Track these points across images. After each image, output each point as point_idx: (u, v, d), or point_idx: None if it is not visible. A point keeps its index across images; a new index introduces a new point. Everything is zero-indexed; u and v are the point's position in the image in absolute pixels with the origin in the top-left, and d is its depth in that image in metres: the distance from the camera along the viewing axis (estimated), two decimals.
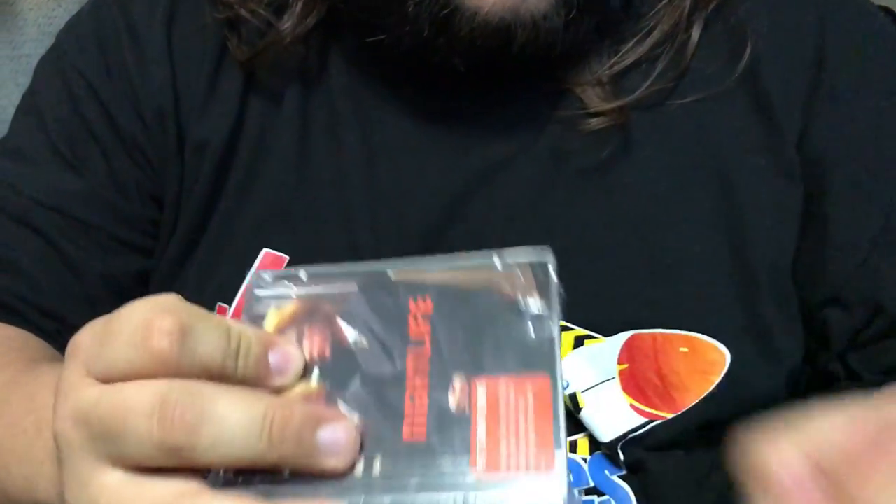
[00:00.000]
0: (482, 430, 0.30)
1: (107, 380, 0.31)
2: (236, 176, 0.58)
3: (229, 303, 0.57)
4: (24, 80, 1.34)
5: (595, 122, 0.53)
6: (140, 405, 0.29)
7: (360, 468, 0.30)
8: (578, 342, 0.53)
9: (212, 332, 0.31)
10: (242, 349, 0.31)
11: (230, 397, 0.30)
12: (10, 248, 0.58)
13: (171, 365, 0.30)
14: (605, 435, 0.52)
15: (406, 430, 0.31)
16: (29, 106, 0.62)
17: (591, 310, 0.53)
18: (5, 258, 0.58)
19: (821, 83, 0.54)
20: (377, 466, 0.30)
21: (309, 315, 0.34)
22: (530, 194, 0.55)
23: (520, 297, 0.34)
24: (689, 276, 0.53)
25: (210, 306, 0.57)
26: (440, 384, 0.31)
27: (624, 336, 0.53)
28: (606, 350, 0.53)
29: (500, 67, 0.52)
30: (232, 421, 0.29)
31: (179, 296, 0.32)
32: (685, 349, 0.52)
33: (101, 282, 0.59)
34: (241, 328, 0.32)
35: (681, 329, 0.52)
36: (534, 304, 0.33)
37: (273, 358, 0.32)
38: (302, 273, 0.35)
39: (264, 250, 0.57)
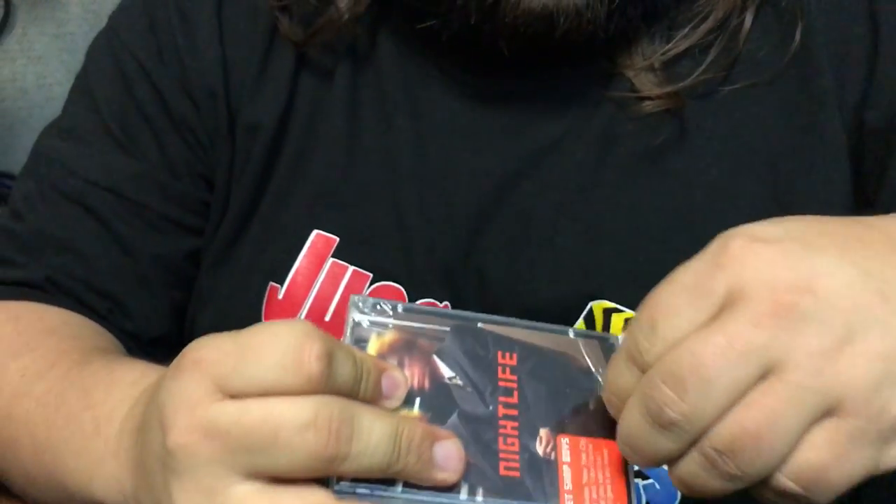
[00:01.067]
0: (568, 478, 0.35)
1: (244, 396, 0.32)
2: (287, 157, 0.59)
3: (280, 283, 0.58)
4: (69, 58, 1.36)
5: (648, 106, 0.54)
6: (295, 419, 0.32)
7: (464, 491, 0.34)
8: (627, 323, 0.54)
9: (347, 357, 0.34)
10: (365, 373, 0.34)
11: (372, 414, 0.33)
12: (65, 228, 0.59)
13: (321, 386, 0.32)
14: None
15: (502, 465, 0.35)
16: (82, 87, 0.62)
17: (636, 287, 0.53)
18: (60, 238, 0.59)
19: (878, 53, 0.53)
20: (480, 492, 0.34)
21: (407, 346, 0.37)
22: (580, 178, 0.55)
23: (592, 367, 0.38)
24: None
25: (261, 286, 0.58)
26: (529, 432, 0.36)
27: None
28: None
29: (548, 51, 0.53)
30: (375, 433, 0.33)
31: (310, 322, 0.34)
32: None
33: (153, 262, 0.60)
34: (363, 355, 0.35)
35: None
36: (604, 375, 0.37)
37: (385, 382, 0.35)
38: (399, 306, 0.38)
39: (315, 231, 0.58)
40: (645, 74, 0.54)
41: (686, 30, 0.54)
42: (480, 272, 0.56)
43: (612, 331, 0.54)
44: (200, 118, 0.60)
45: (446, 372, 0.37)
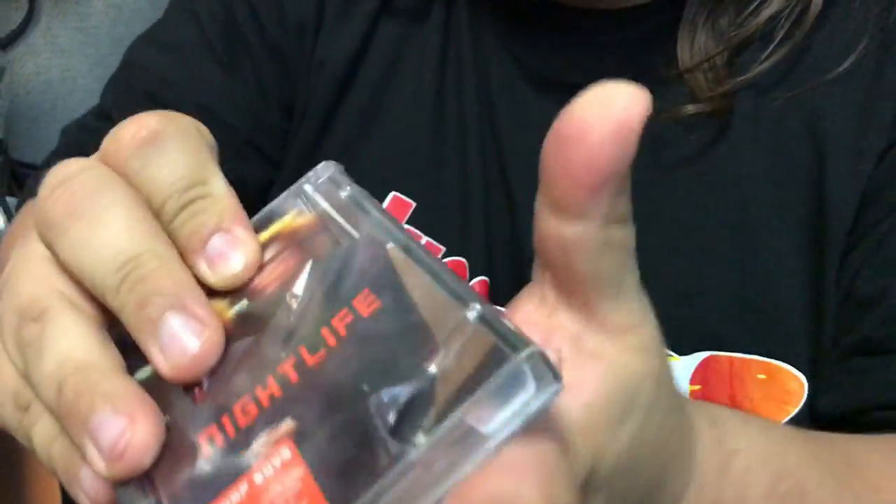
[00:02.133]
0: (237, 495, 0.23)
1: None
2: (356, 103, 0.57)
3: None
4: (92, 51, 1.36)
5: (699, 107, 0.51)
6: (57, 175, 0.27)
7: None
8: None
9: (179, 161, 0.26)
10: (196, 205, 0.26)
11: (119, 224, 0.25)
12: None
13: (116, 162, 0.27)
14: None
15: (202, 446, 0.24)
16: (182, 4, 0.61)
17: (670, 321, 0.51)
18: None
19: None
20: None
21: (305, 239, 0.28)
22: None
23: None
24: (779, 295, 0.50)
25: None
26: (273, 416, 0.24)
27: (699, 356, 0.51)
28: (680, 369, 0.51)
29: (609, 45, 0.51)
30: (96, 243, 0.25)
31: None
32: (763, 376, 0.50)
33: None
34: (217, 186, 0.27)
35: (761, 354, 0.50)
36: None
37: (217, 241, 0.26)
38: (349, 190, 0.29)
39: (393, 193, 0.56)
40: (701, 73, 0.51)
41: (746, 14, 0.50)
42: (516, 263, 0.55)
43: None
44: (290, 49, 0.58)
45: (297, 288, 0.26)
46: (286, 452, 0.22)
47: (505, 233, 0.55)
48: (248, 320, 0.26)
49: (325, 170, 0.30)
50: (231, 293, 0.27)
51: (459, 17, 0.57)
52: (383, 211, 0.28)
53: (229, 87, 0.58)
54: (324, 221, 0.28)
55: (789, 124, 0.51)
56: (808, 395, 0.50)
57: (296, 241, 0.28)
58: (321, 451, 0.22)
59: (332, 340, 0.24)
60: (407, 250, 0.25)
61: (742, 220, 0.51)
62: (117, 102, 0.60)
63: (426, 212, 0.56)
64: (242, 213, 0.27)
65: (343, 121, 0.57)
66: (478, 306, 0.22)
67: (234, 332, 0.26)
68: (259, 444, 0.23)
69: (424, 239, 0.56)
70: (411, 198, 0.56)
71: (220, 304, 0.26)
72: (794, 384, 0.50)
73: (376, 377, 0.22)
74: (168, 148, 0.26)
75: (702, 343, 0.51)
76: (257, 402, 0.24)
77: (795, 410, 0.50)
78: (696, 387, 0.51)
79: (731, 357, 0.50)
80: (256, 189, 0.59)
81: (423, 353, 0.22)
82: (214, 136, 0.57)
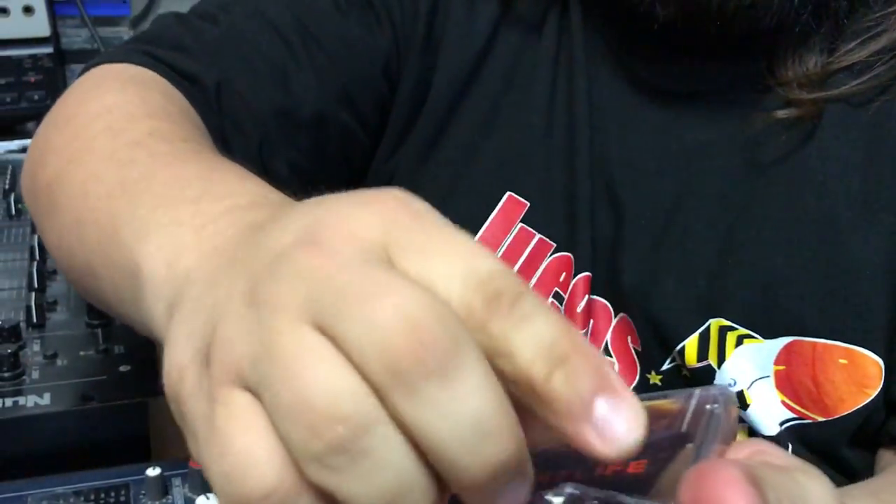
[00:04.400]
0: None
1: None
2: (478, 103, 0.61)
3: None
4: None
5: (793, 112, 0.55)
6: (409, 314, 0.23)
7: None
8: (739, 341, 0.57)
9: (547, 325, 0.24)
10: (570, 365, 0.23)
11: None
12: (258, 51, 0.58)
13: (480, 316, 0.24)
14: (768, 429, 0.56)
15: None
16: None
17: (757, 308, 0.56)
18: (247, 57, 0.58)
19: None
20: None
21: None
22: (720, 184, 0.57)
23: None
24: (861, 287, 0.54)
25: None
26: None
27: (784, 340, 0.56)
28: (765, 350, 0.56)
29: (714, 45, 0.54)
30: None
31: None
32: (844, 361, 0.54)
33: (313, 118, 0.60)
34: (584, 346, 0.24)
35: (843, 341, 0.54)
36: None
37: (603, 407, 0.23)
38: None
39: (508, 193, 0.61)
40: (797, 82, 0.55)
41: (852, 45, 0.54)
42: (617, 259, 0.59)
43: (727, 351, 0.57)
44: (403, 22, 0.61)
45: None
46: None
47: (609, 230, 0.59)
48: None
49: (719, 387, 0.32)
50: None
51: (572, 24, 0.61)
52: (727, 433, 0.30)
53: (344, 30, 0.59)
54: (678, 412, 0.30)
55: (883, 126, 0.55)
56: (884, 378, 0.54)
57: (652, 415, 0.26)
58: None
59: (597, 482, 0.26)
60: (697, 455, 0.28)
61: (829, 217, 0.55)
62: (226, 9, 0.59)
63: (538, 210, 0.60)
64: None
65: (463, 122, 0.62)
66: None
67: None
68: None
69: (537, 236, 0.60)
70: (525, 198, 0.61)
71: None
72: (874, 369, 0.54)
73: None
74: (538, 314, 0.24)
75: (787, 328, 0.55)
76: None
77: (875, 393, 0.54)
78: (781, 367, 0.56)
79: (814, 342, 0.55)
80: (336, 136, 0.61)
81: None
82: (313, 69, 0.59)
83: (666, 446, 0.28)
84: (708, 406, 0.31)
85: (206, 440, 0.25)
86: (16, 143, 1.06)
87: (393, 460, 0.22)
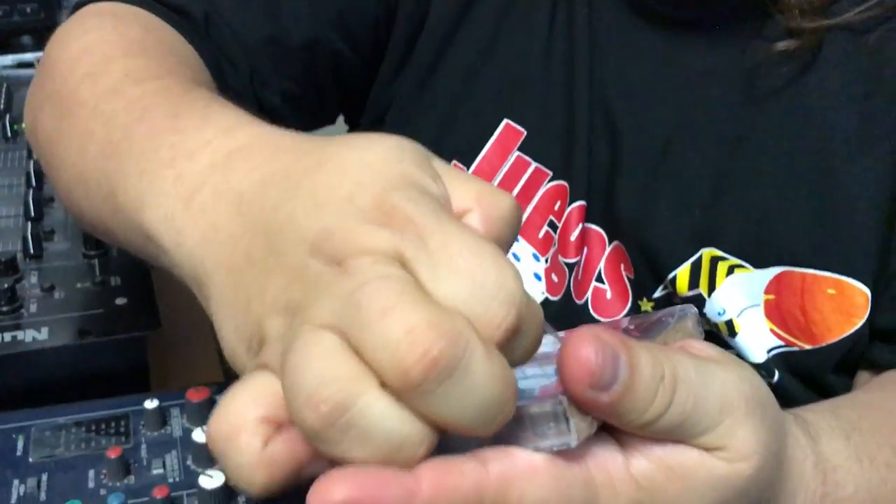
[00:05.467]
0: None
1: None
2: (476, 30, 0.61)
3: (466, 165, 0.61)
4: None
5: (787, 43, 0.54)
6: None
7: None
8: (730, 270, 0.57)
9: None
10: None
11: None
12: None
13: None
14: (756, 356, 0.57)
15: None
16: None
17: (749, 239, 0.56)
18: None
19: None
20: None
21: None
22: (718, 114, 0.57)
23: None
24: (854, 219, 0.55)
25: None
26: None
27: (774, 271, 0.56)
28: (756, 280, 0.57)
29: None
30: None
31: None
32: (833, 291, 0.55)
33: (300, 48, 0.60)
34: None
35: (832, 271, 0.55)
36: None
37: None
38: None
39: (505, 120, 0.61)
40: (798, 9, 0.54)
41: None
42: (613, 187, 0.59)
43: (717, 281, 0.57)
44: None
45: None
46: None
47: (605, 159, 0.59)
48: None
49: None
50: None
51: None
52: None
53: None
54: None
55: (883, 56, 0.54)
56: (870, 307, 0.55)
57: None
58: None
59: None
60: None
61: (825, 148, 0.55)
62: None
63: (535, 139, 0.60)
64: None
65: (461, 49, 0.61)
66: None
67: None
68: None
69: (533, 165, 0.60)
70: (522, 126, 0.60)
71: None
72: (861, 299, 0.55)
73: None
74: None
75: (778, 259, 0.56)
76: None
77: (861, 322, 0.55)
78: (770, 296, 0.57)
79: (803, 273, 0.56)
80: (327, 69, 0.61)
81: None
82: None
83: None
84: (664, 318, 0.35)
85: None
86: (10, 58, 1.05)
87: (380, 431, 0.26)
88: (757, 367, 0.57)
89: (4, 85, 0.94)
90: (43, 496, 0.47)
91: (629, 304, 0.60)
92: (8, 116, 0.84)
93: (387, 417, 0.26)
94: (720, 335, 0.57)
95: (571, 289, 0.60)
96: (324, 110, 0.66)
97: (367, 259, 0.27)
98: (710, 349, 0.32)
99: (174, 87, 0.45)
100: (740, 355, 0.57)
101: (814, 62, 0.55)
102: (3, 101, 0.90)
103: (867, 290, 0.55)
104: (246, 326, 0.31)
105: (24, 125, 0.61)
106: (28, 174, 0.71)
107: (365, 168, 0.29)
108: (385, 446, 0.26)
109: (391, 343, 0.25)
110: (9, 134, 0.83)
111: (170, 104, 0.42)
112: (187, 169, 0.36)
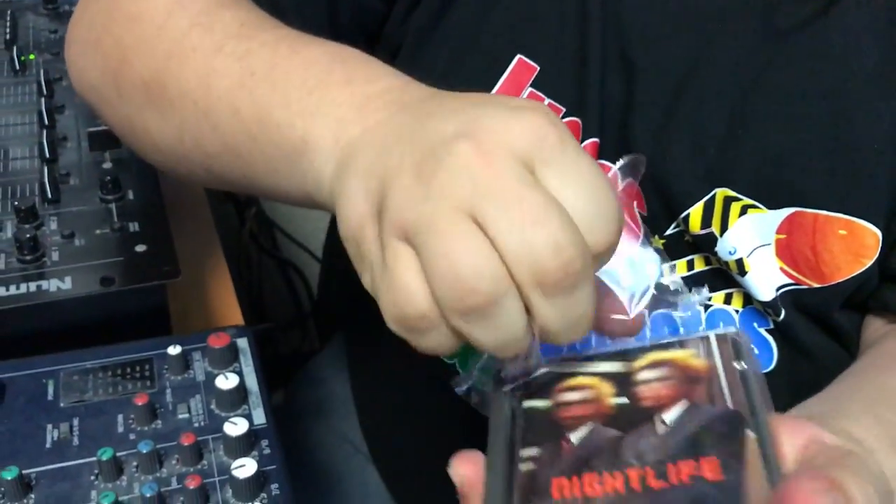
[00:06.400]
0: None
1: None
2: None
3: None
4: None
5: None
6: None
7: None
8: (744, 210, 0.57)
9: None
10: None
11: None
12: None
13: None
14: (764, 295, 0.57)
15: None
16: None
17: (763, 180, 0.56)
18: None
19: None
20: None
21: (687, 379, 0.36)
22: (735, 51, 0.56)
23: None
24: (868, 159, 0.55)
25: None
26: None
27: (787, 211, 0.56)
28: (769, 220, 0.57)
29: None
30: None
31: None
32: (844, 232, 0.55)
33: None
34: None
35: (844, 212, 0.55)
36: None
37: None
38: (744, 366, 0.36)
39: (518, 56, 0.60)
40: None
41: None
42: (627, 124, 0.59)
43: (730, 220, 0.57)
44: None
45: (668, 417, 0.35)
46: None
47: (620, 95, 0.59)
48: (621, 415, 0.35)
49: (732, 332, 0.37)
50: (618, 385, 0.36)
51: None
52: (765, 395, 0.34)
53: None
54: (710, 376, 0.35)
55: None
56: (881, 248, 0.55)
57: (681, 376, 0.36)
58: None
59: (674, 479, 0.32)
60: (761, 444, 0.32)
61: (843, 88, 0.54)
62: None
63: (548, 74, 0.60)
64: None
65: None
66: None
67: (609, 418, 0.35)
68: None
69: (546, 101, 0.60)
70: (535, 61, 0.60)
71: (606, 387, 0.35)
72: (871, 239, 0.55)
73: None
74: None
75: (790, 199, 0.56)
76: (602, 485, 0.32)
77: (870, 263, 0.56)
78: (782, 235, 0.57)
79: (815, 213, 0.56)
80: (355, 15, 0.62)
81: None
82: None
83: (725, 430, 0.32)
84: (734, 364, 0.35)
85: (378, 275, 0.35)
86: None
87: (512, 323, 0.33)
88: (765, 304, 0.58)
89: (9, 11, 0.91)
90: (76, 441, 0.50)
91: (640, 241, 0.60)
92: (15, 48, 0.82)
93: (517, 313, 0.33)
94: (730, 273, 0.58)
95: None
96: None
97: (509, 158, 0.33)
98: (833, 438, 0.34)
99: (303, 35, 0.49)
100: (749, 293, 0.58)
101: (833, 2, 0.54)
102: (8, 30, 0.87)
103: (878, 232, 0.55)
104: (377, 190, 0.36)
105: (68, 68, 0.61)
106: (40, 112, 0.71)
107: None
108: (506, 337, 0.33)
109: (537, 250, 0.32)
110: (17, 66, 0.80)
111: (317, 45, 0.47)
112: (363, 89, 0.42)
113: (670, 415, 0.34)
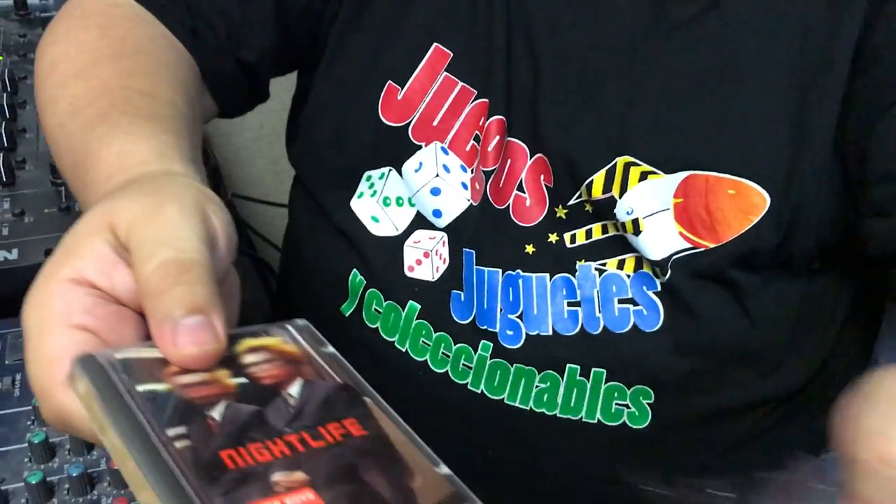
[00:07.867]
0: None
1: None
2: None
3: (400, 85, 0.66)
4: None
5: None
6: None
7: None
8: (643, 176, 0.62)
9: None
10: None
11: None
12: None
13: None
14: (656, 254, 0.62)
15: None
16: None
17: (660, 149, 0.61)
18: None
19: None
20: None
21: (290, 361, 0.38)
22: (631, 36, 0.62)
23: None
24: (752, 127, 0.60)
25: (381, 81, 0.66)
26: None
27: (682, 175, 0.61)
28: (666, 184, 0.61)
29: None
30: None
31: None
32: (732, 191, 0.60)
33: (272, 4, 0.66)
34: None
35: (732, 174, 0.60)
36: None
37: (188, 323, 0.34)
38: (331, 349, 0.39)
39: (435, 44, 0.65)
40: None
41: None
42: (536, 106, 0.64)
43: (629, 184, 0.62)
44: None
45: (292, 390, 0.36)
46: (310, 495, 0.31)
47: (528, 79, 0.64)
48: (247, 393, 0.35)
49: (302, 323, 0.40)
50: (230, 367, 0.36)
51: None
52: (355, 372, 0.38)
53: None
54: (308, 358, 0.38)
55: None
56: (769, 208, 0.60)
57: (284, 359, 0.37)
58: None
59: (330, 438, 0.34)
60: (379, 405, 0.36)
61: (730, 69, 0.60)
62: None
63: (461, 60, 0.65)
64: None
65: None
66: (444, 467, 0.33)
67: (238, 395, 0.35)
68: (278, 477, 0.32)
69: (459, 84, 0.65)
70: (450, 48, 0.65)
71: (220, 370, 0.35)
72: (758, 199, 0.60)
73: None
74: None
75: (684, 164, 0.61)
76: (270, 451, 0.33)
77: (757, 219, 0.60)
78: (679, 199, 0.61)
79: (707, 175, 0.60)
80: (297, 14, 0.67)
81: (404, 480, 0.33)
82: None
83: (346, 398, 0.36)
84: (322, 348, 0.39)
85: None
86: None
87: None
88: (654, 264, 0.62)
89: None
90: (17, 392, 0.54)
91: (545, 211, 0.65)
92: None
93: None
94: (626, 235, 0.62)
95: (489, 194, 0.66)
96: (299, 60, 0.72)
97: None
98: None
99: (97, 124, 0.51)
100: (641, 254, 0.62)
101: (717, 3, 0.60)
102: None
103: (765, 193, 0.59)
104: None
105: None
106: (2, 106, 0.76)
107: None
108: None
109: None
110: None
111: (89, 149, 0.49)
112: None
113: (294, 389, 0.36)
